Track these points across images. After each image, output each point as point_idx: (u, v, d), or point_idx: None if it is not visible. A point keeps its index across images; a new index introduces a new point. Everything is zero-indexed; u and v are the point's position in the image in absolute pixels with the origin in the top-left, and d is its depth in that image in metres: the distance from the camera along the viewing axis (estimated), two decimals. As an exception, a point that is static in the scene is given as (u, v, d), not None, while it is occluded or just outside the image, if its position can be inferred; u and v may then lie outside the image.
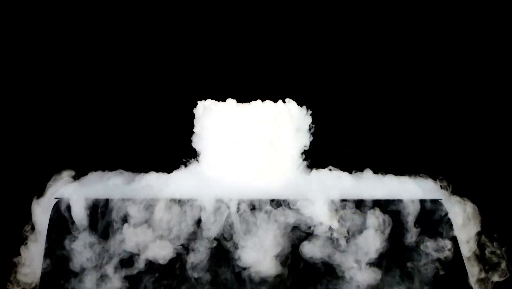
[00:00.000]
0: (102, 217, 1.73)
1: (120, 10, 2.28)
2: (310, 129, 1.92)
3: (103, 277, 1.69)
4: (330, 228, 1.72)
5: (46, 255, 1.71)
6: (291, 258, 1.71)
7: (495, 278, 1.80)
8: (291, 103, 1.92)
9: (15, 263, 1.81)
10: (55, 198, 1.77)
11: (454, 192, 1.85)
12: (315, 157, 1.93)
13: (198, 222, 1.72)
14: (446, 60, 2.29)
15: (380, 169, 1.92)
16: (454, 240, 1.75)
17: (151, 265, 1.70)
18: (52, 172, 1.87)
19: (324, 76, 2.30)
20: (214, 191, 1.75)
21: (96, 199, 1.75)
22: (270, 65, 2.29)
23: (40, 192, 1.82)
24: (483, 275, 1.79)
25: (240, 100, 1.91)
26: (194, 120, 1.91)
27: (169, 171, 1.88)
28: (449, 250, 1.73)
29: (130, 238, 1.70)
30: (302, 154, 1.91)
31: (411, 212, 1.75)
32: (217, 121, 1.86)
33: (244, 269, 1.69)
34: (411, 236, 1.74)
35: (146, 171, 1.88)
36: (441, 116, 2.29)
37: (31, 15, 2.26)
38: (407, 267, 1.73)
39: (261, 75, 2.28)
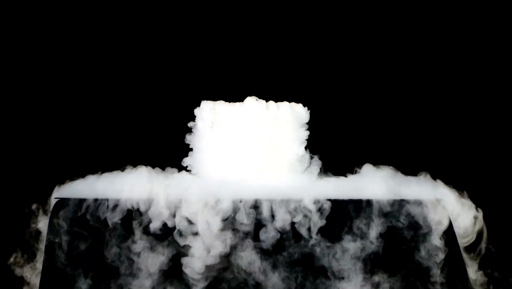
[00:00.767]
0: (102, 217, 1.73)
1: (121, 10, 2.28)
2: (310, 129, 1.92)
3: (102, 278, 1.70)
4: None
5: (46, 255, 1.71)
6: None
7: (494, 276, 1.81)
8: (291, 103, 1.92)
9: (15, 262, 1.81)
10: (55, 198, 1.76)
11: (454, 192, 1.85)
12: (316, 157, 1.93)
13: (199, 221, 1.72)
14: (447, 60, 2.29)
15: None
16: (454, 239, 1.75)
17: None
18: (52, 172, 1.87)
19: (325, 76, 2.31)
20: (214, 191, 1.75)
21: (96, 199, 1.75)
22: (270, 66, 2.29)
23: (40, 192, 1.82)
24: (482, 274, 1.79)
25: (240, 100, 1.91)
26: (194, 121, 1.91)
27: (169, 172, 1.88)
28: (449, 249, 1.73)
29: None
30: (302, 154, 1.91)
31: (411, 212, 1.76)
32: (217, 122, 1.86)
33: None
34: (411, 236, 1.74)
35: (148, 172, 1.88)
36: (442, 116, 2.29)
37: (31, 15, 2.26)
38: (407, 267, 1.73)
39: (261, 76, 2.28)
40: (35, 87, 2.25)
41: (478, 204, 1.84)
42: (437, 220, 1.75)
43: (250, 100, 1.88)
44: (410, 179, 1.87)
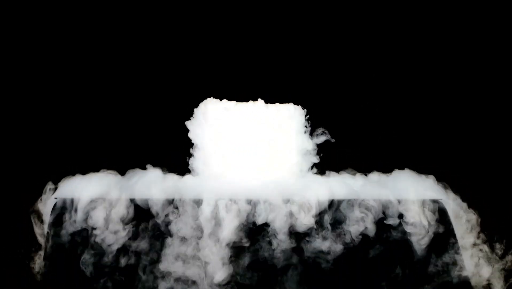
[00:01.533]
0: (102, 216, 1.73)
1: (122, 10, 2.28)
2: (310, 129, 1.92)
3: (102, 276, 1.70)
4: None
5: (46, 254, 1.71)
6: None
7: (493, 275, 1.81)
8: (291, 104, 1.92)
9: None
10: (55, 198, 1.77)
11: (454, 192, 1.85)
12: (316, 157, 1.93)
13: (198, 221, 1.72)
14: (447, 61, 2.30)
15: (380, 169, 1.93)
16: (453, 239, 1.75)
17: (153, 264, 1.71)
18: (52, 172, 1.87)
19: (325, 77, 2.31)
20: (214, 191, 1.76)
21: (96, 199, 1.75)
22: (270, 67, 2.30)
23: (40, 192, 1.83)
24: (480, 272, 1.80)
25: (240, 100, 1.91)
26: (194, 121, 1.91)
27: (168, 171, 1.89)
28: (448, 249, 1.74)
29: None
30: (302, 154, 1.91)
31: (410, 212, 1.76)
32: (217, 122, 1.87)
33: None
34: (411, 236, 1.74)
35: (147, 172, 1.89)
36: (443, 117, 2.29)
37: (31, 15, 2.26)
38: (406, 267, 1.73)
39: (261, 76, 2.28)
40: (36, 89, 2.26)
41: (478, 203, 1.85)
42: (437, 220, 1.75)
43: (251, 101, 1.89)
44: (410, 178, 1.88)
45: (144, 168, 1.88)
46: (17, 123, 2.24)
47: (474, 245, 1.81)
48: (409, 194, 1.77)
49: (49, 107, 2.25)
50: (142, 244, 1.71)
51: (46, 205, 1.79)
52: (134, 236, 1.71)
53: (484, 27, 2.29)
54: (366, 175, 1.92)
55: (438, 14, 2.30)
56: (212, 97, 1.92)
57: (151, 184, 1.79)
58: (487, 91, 2.29)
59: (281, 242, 1.71)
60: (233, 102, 1.90)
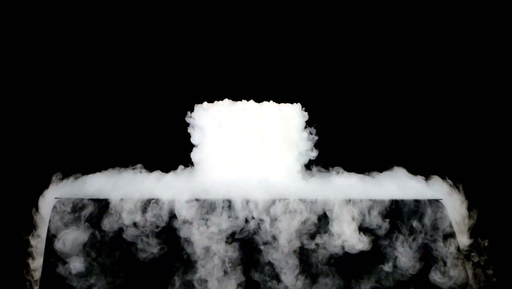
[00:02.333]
0: (101, 216, 1.73)
1: (122, 11, 2.28)
2: (310, 129, 1.92)
3: (101, 275, 1.70)
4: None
5: (46, 254, 1.71)
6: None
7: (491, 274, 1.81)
8: (292, 104, 1.92)
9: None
10: (55, 198, 1.77)
11: (454, 192, 1.85)
12: (316, 157, 1.93)
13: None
14: (449, 62, 2.30)
15: (380, 169, 1.93)
16: (453, 239, 1.75)
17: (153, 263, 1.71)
18: (52, 172, 1.87)
19: (325, 77, 2.31)
20: (213, 191, 1.76)
21: (96, 199, 1.75)
22: (270, 67, 2.30)
23: (40, 192, 1.83)
24: (479, 272, 1.80)
25: (239, 100, 1.91)
26: (194, 121, 1.91)
27: (168, 171, 1.89)
28: (448, 249, 1.74)
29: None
30: (302, 154, 1.91)
31: (410, 212, 1.76)
32: (217, 122, 1.87)
33: None
34: (411, 235, 1.74)
35: (146, 171, 1.89)
36: (445, 117, 2.29)
37: (31, 15, 2.26)
38: (406, 267, 1.73)
39: (262, 76, 2.28)
40: (36, 89, 2.26)
41: (478, 203, 1.85)
42: (437, 219, 1.75)
43: (251, 101, 1.89)
44: (409, 178, 1.88)
45: (144, 170, 1.89)
46: (17, 123, 2.24)
47: (472, 245, 1.82)
48: (402, 193, 1.78)
49: (49, 107, 2.26)
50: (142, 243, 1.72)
51: (46, 205, 1.79)
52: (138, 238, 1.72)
53: (484, 27, 2.29)
54: (364, 174, 1.92)
55: (438, 14, 2.30)
56: (211, 97, 1.92)
57: (150, 185, 1.80)
58: (487, 91, 2.29)
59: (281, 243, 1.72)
60: (230, 101, 1.90)
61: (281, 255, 1.70)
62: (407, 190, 1.82)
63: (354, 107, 2.30)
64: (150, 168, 1.89)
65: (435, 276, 1.72)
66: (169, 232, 1.72)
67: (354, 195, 1.77)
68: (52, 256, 1.70)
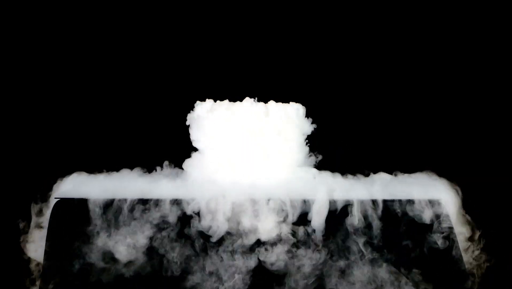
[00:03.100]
0: (102, 216, 1.73)
1: (121, 10, 2.28)
2: (310, 129, 1.92)
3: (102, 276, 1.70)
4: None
5: (47, 254, 1.71)
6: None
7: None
8: (292, 104, 1.92)
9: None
10: (55, 198, 1.77)
11: (454, 191, 1.85)
12: (316, 157, 1.93)
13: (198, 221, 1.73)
14: (448, 61, 2.30)
15: (380, 168, 1.93)
16: (453, 239, 1.75)
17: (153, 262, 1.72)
18: (52, 172, 1.87)
19: (325, 76, 2.31)
20: (213, 191, 1.76)
21: (96, 199, 1.75)
22: (269, 65, 2.30)
23: (40, 192, 1.83)
24: (480, 271, 1.80)
25: (239, 100, 1.91)
26: (194, 121, 1.91)
27: (168, 171, 1.89)
28: (448, 248, 1.74)
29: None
30: (302, 154, 1.91)
31: (410, 212, 1.76)
32: (217, 122, 1.87)
33: None
34: (410, 235, 1.74)
35: (144, 171, 1.89)
36: (444, 117, 2.29)
37: (30, 15, 2.26)
38: (406, 266, 1.73)
39: (261, 75, 2.28)
40: (36, 89, 2.26)
41: (478, 203, 1.85)
42: (437, 219, 1.75)
43: (249, 100, 1.89)
44: (411, 178, 1.88)
45: (142, 169, 1.90)
46: (17, 123, 2.24)
47: (472, 245, 1.82)
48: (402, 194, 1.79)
49: (49, 107, 2.26)
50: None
51: (46, 206, 1.80)
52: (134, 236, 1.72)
53: (484, 27, 2.29)
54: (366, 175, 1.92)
55: (438, 13, 2.30)
56: (210, 97, 1.92)
57: (150, 185, 1.80)
58: (487, 91, 2.29)
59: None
60: (230, 101, 1.90)
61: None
62: (405, 190, 1.82)
63: (354, 107, 2.30)
64: (150, 168, 1.90)
65: (434, 275, 1.72)
66: (175, 231, 1.72)
67: (353, 195, 1.77)
68: (52, 256, 1.70)
